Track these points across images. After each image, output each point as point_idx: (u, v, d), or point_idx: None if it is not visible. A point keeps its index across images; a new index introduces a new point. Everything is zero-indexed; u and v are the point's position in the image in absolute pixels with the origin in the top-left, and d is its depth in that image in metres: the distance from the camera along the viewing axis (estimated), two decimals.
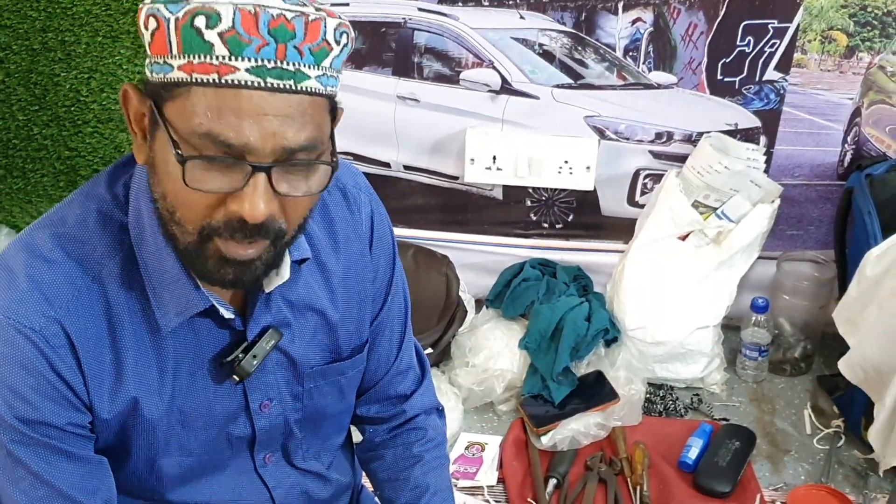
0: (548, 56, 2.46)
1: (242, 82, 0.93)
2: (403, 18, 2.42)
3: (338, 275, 1.25)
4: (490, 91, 2.49)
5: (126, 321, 1.10)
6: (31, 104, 2.61)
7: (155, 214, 1.06)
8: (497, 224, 2.69)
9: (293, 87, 0.95)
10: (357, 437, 1.48)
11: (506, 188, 2.63)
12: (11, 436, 1.07)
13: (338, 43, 0.98)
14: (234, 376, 1.15)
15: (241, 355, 1.15)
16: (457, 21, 2.41)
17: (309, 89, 0.96)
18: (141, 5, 0.97)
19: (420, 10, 2.42)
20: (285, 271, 1.14)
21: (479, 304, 2.69)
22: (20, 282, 1.05)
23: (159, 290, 1.09)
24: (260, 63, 0.93)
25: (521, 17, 2.42)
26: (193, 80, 0.94)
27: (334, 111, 1.04)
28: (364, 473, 1.50)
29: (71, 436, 1.09)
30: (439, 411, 1.49)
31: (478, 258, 2.71)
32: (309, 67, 0.96)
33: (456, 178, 2.62)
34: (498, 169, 2.55)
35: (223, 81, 0.93)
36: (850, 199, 2.40)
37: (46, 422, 1.07)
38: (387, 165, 2.58)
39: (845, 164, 2.55)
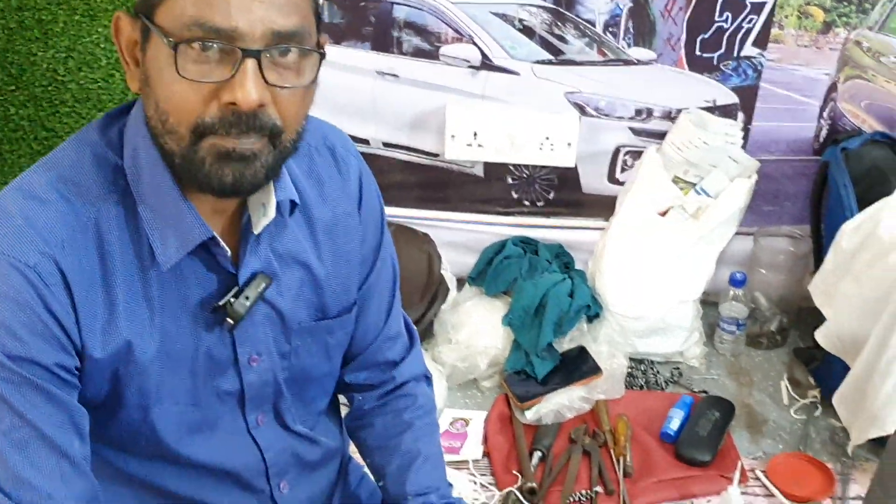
0: (528, 32, 2.47)
1: None
2: None
3: (325, 231, 1.27)
4: (470, 67, 2.50)
5: (119, 261, 1.11)
6: (8, 84, 2.59)
7: (155, 149, 1.08)
8: (478, 201, 2.70)
9: None
10: (345, 408, 1.49)
11: (487, 165, 2.64)
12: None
13: None
14: (229, 319, 1.17)
15: (232, 299, 1.16)
16: None
17: None
18: None
19: None
20: (271, 210, 1.16)
21: (460, 282, 2.70)
22: (15, 220, 1.06)
23: (159, 225, 1.11)
24: None
25: None
26: None
27: (319, 20, 1.09)
28: (352, 444, 1.51)
29: (56, 378, 1.09)
30: (428, 379, 1.51)
31: (459, 236, 2.72)
32: None
33: (436, 154, 2.63)
34: (479, 146, 2.56)
35: None
36: (825, 174, 2.45)
37: (34, 359, 1.07)
38: (365, 142, 2.58)
39: (821, 140, 2.59)
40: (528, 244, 2.68)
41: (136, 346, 1.13)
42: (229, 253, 1.16)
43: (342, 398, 1.49)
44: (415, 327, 1.50)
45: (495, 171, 2.65)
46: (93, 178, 1.11)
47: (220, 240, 1.14)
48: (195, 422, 1.23)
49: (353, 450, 1.54)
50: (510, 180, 2.67)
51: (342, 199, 1.29)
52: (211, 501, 1.30)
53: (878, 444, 2.16)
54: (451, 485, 1.43)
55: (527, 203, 2.71)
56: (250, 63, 1.00)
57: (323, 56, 1.08)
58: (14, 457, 1.07)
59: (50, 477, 1.09)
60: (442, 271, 2.59)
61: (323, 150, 1.29)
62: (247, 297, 1.17)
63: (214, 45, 1.00)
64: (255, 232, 1.16)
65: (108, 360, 1.12)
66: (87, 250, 1.09)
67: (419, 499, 1.37)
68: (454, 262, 2.69)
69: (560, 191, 2.68)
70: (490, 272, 2.60)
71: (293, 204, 1.20)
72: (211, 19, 0.99)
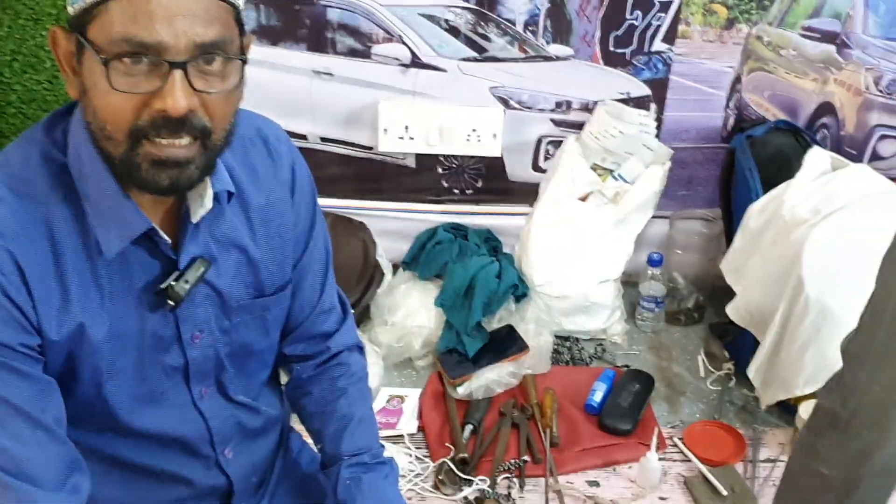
0: (453, 31, 2.56)
1: None
2: None
3: (260, 216, 1.35)
4: (401, 65, 2.58)
5: (69, 251, 1.18)
6: None
7: (91, 143, 1.15)
8: (410, 191, 2.78)
9: None
10: (284, 378, 1.59)
11: (418, 156, 2.71)
12: None
13: None
14: (169, 301, 1.25)
15: (173, 282, 1.24)
16: None
17: None
18: None
19: None
20: (208, 201, 1.24)
21: (395, 267, 2.77)
22: None
23: (102, 219, 1.18)
24: None
25: None
26: None
27: (241, 27, 1.16)
28: (294, 414, 1.60)
29: (22, 356, 1.16)
30: (360, 349, 1.60)
31: (393, 224, 2.79)
32: None
33: (370, 148, 2.69)
34: (410, 138, 2.63)
35: None
36: (733, 159, 2.55)
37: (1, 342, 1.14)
38: (304, 137, 2.64)
39: (728, 128, 2.70)
40: (458, 230, 2.75)
41: (89, 328, 1.21)
42: (169, 241, 1.24)
43: (281, 371, 1.59)
44: (348, 300, 1.59)
45: (426, 162, 2.73)
46: (41, 176, 1.18)
47: (159, 230, 1.22)
48: (144, 395, 1.31)
49: (294, 421, 1.64)
50: (440, 170, 2.74)
51: (275, 185, 1.37)
52: (162, 467, 1.38)
53: (786, 410, 2.29)
54: (383, 445, 1.52)
55: (456, 191, 2.79)
56: (177, 74, 1.07)
57: (245, 62, 1.15)
58: None
59: (28, 445, 1.18)
60: (377, 257, 2.66)
61: (257, 140, 1.37)
62: (186, 281, 1.25)
63: (143, 59, 1.06)
64: (194, 221, 1.24)
65: (63, 341, 1.20)
66: (39, 242, 1.16)
67: (353, 458, 1.46)
68: (389, 248, 2.76)
69: (487, 179, 2.76)
70: (423, 257, 2.67)
71: (229, 194, 1.28)
72: (137, 35, 1.05)
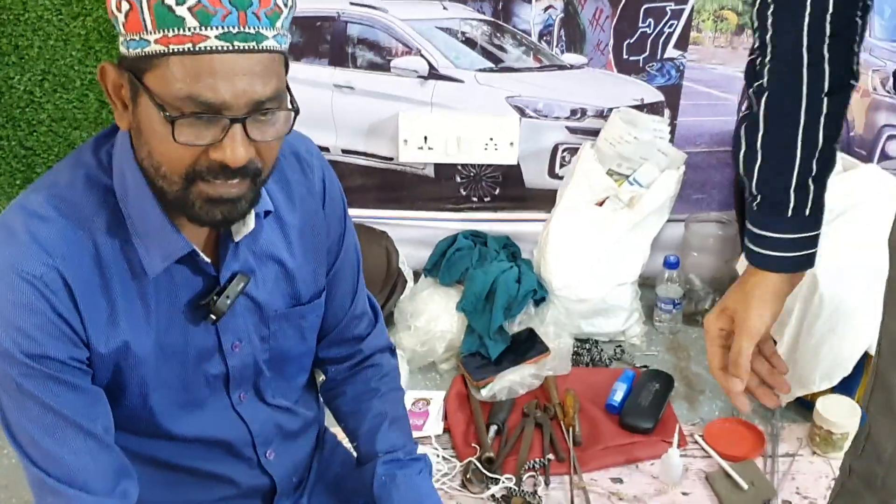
0: (470, 43, 2.61)
1: (214, 48, 1.06)
2: (337, 12, 2.54)
3: (295, 230, 1.39)
4: (419, 77, 2.63)
5: (114, 270, 1.22)
6: None
7: (140, 173, 1.19)
8: (430, 200, 2.83)
9: (256, 48, 1.09)
10: (320, 378, 1.64)
11: (437, 166, 2.76)
12: (19, 370, 1.18)
13: (286, 6, 1.14)
14: (211, 315, 1.29)
15: (215, 297, 1.29)
16: (386, 13, 2.55)
17: (268, 48, 1.11)
18: None
19: (352, 3, 2.55)
20: (251, 221, 1.28)
21: (416, 274, 2.82)
22: (20, 236, 1.16)
23: (145, 240, 1.22)
24: (226, 30, 1.06)
25: (444, 8, 2.57)
26: (170, 51, 1.06)
27: (287, 65, 1.20)
28: (329, 412, 1.64)
29: (72, 369, 1.20)
30: (392, 350, 1.64)
31: (414, 232, 2.84)
32: (266, 29, 1.10)
33: (391, 158, 2.74)
34: (429, 148, 2.68)
35: (197, 49, 1.06)
36: None
37: (50, 356, 1.18)
38: (326, 150, 2.70)
39: None
40: (477, 237, 2.80)
41: (134, 343, 1.25)
42: (209, 261, 1.28)
43: (317, 371, 1.65)
44: (378, 305, 1.63)
45: (445, 171, 2.78)
46: (86, 198, 1.21)
47: (200, 252, 1.26)
48: (186, 403, 1.35)
49: (328, 421, 1.68)
50: (459, 179, 2.80)
51: (308, 198, 1.41)
52: (207, 469, 1.43)
53: (803, 406, 2.33)
54: (416, 443, 1.56)
55: (475, 199, 2.84)
56: (237, 128, 1.10)
57: (297, 112, 1.18)
58: (45, 440, 1.21)
59: (79, 454, 1.23)
60: (399, 265, 2.71)
61: (289, 155, 1.40)
62: (227, 296, 1.29)
63: (205, 116, 1.09)
64: (236, 240, 1.29)
65: (110, 355, 1.25)
66: (86, 261, 1.20)
67: (388, 455, 1.50)
68: (410, 256, 2.81)
69: (505, 187, 2.81)
70: (444, 264, 2.72)
71: (266, 211, 1.33)
72: (201, 94, 1.07)
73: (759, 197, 1.23)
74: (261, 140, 1.15)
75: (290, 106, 1.18)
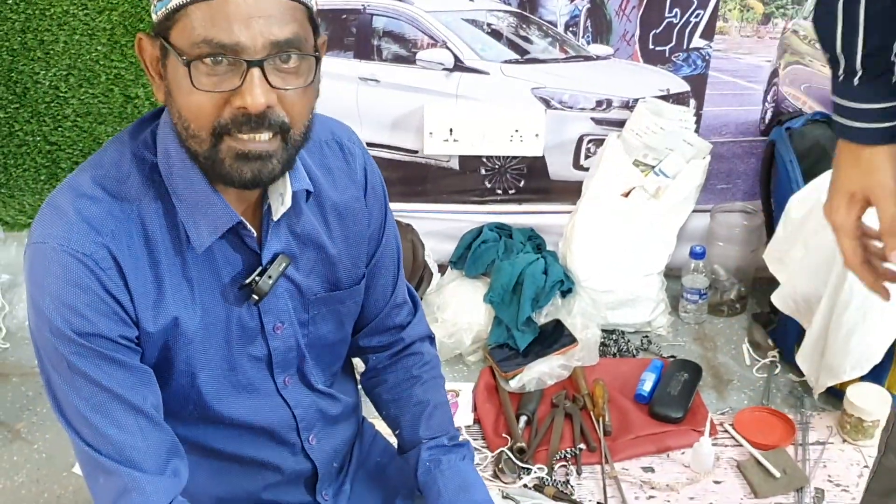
0: (496, 34, 2.61)
1: None
2: (362, 5, 2.54)
3: (336, 215, 1.40)
4: (444, 69, 2.64)
5: (162, 247, 1.24)
6: (12, 102, 2.69)
7: (179, 144, 1.21)
8: (455, 192, 2.83)
9: None
10: (361, 367, 1.64)
11: (462, 158, 2.77)
12: (70, 348, 1.19)
13: None
14: (254, 295, 1.30)
15: (257, 277, 1.30)
16: (411, 5, 2.55)
17: None
18: None
19: None
20: (287, 199, 1.29)
21: (442, 268, 2.82)
22: (69, 216, 1.18)
23: (193, 214, 1.24)
24: None
25: (470, 0, 2.58)
26: (189, 1, 1.10)
27: (316, 28, 1.20)
28: (369, 401, 1.66)
29: (122, 347, 1.21)
30: (431, 339, 1.65)
31: (438, 225, 2.84)
32: None
33: (416, 151, 2.75)
34: (454, 141, 2.68)
35: None
36: (773, 151, 2.60)
37: (101, 334, 1.19)
38: None
39: (766, 121, 2.74)
40: (502, 229, 2.80)
41: (182, 320, 1.27)
42: (255, 234, 1.29)
43: (358, 360, 1.66)
44: (417, 294, 1.64)
45: (470, 163, 2.78)
46: (132, 176, 1.23)
47: (247, 223, 1.27)
48: (233, 385, 1.37)
49: (365, 412, 1.70)
50: (483, 171, 2.80)
51: (350, 186, 1.42)
52: (252, 455, 1.44)
53: (833, 394, 2.34)
54: (458, 429, 1.59)
55: (500, 191, 2.84)
56: (255, 72, 1.11)
57: (319, 59, 1.19)
58: (96, 418, 1.22)
59: (130, 432, 1.24)
60: (425, 258, 2.71)
61: (332, 143, 1.42)
62: (269, 276, 1.30)
63: (223, 59, 1.11)
64: (275, 219, 1.30)
65: (159, 333, 1.26)
66: (134, 238, 1.22)
67: (432, 441, 1.51)
68: (436, 249, 2.82)
69: (530, 179, 2.82)
70: (469, 256, 2.72)
71: (308, 192, 1.33)
72: (216, 36, 1.09)
73: (861, 71, 1.22)
74: (282, 87, 1.15)
75: (313, 54, 1.18)
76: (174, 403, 1.34)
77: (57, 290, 1.18)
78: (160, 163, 1.24)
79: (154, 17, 1.16)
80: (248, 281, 1.30)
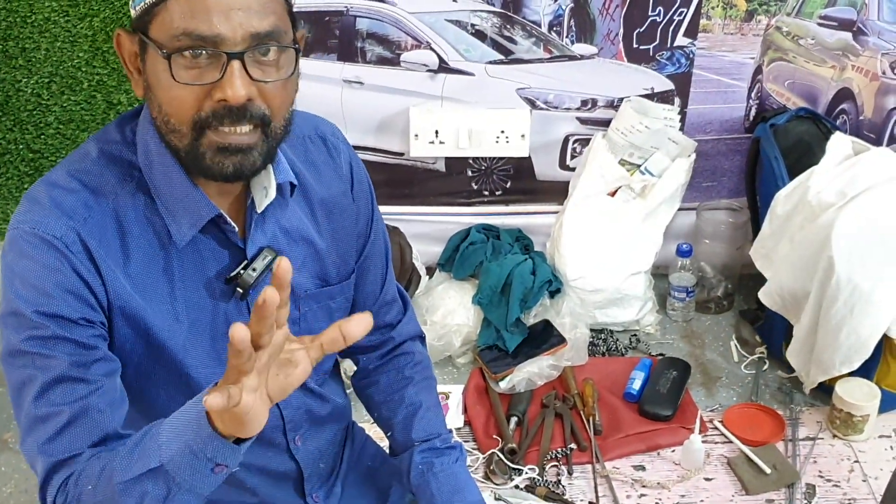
0: (480, 35, 2.61)
1: None
2: (345, 7, 2.53)
3: (323, 210, 1.41)
4: (429, 71, 2.63)
5: (138, 242, 1.24)
6: None
7: (158, 138, 1.21)
8: (442, 194, 2.82)
9: None
10: (352, 368, 1.64)
11: (448, 160, 2.76)
12: (29, 332, 1.17)
13: None
14: (238, 289, 1.30)
15: (241, 271, 1.29)
16: (394, 6, 2.54)
17: None
18: None
19: None
20: (272, 191, 1.29)
21: (430, 271, 2.82)
22: (44, 204, 1.19)
23: (172, 208, 1.24)
24: None
25: (454, 0, 2.56)
26: None
27: (294, 22, 1.21)
28: (355, 407, 1.66)
29: (82, 328, 1.19)
30: (422, 338, 1.66)
31: (426, 228, 2.83)
32: None
33: (401, 154, 2.74)
34: (440, 142, 2.68)
35: None
36: (758, 148, 2.60)
37: (63, 315, 1.17)
38: None
39: (751, 118, 2.75)
40: (489, 230, 2.81)
41: (155, 316, 1.25)
42: (236, 229, 1.28)
43: (349, 361, 1.65)
44: (406, 293, 1.64)
45: (456, 165, 2.77)
46: (110, 172, 1.23)
47: (227, 217, 1.26)
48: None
49: (356, 417, 1.70)
50: (470, 173, 2.79)
51: (335, 181, 1.42)
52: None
53: (822, 389, 2.34)
54: (450, 431, 1.58)
55: (486, 193, 2.83)
56: (236, 64, 1.12)
57: (298, 51, 1.20)
58: (41, 402, 1.18)
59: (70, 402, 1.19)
60: (413, 260, 2.70)
61: (315, 139, 1.42)
62: (254, 269, 1.29)
63: (202, 52, 1.12)
64: (259, 211, 1.29)
65: (131, 326, 1.24)
66: (107, 228, 1.22)
67: (424, 444, 1.52)
68: (423, 251, 2.81)
69: (516, 180, 2.81)
70: (457, 258, 2.73)
71: (292, 186, 1.33)
72: (196, 29, 1.10)
73: None
74: (262, 80, 1.15)
75: (292, 46, 1.19)
76: (165, 405, 1.32)
77: (25, 272, 1.18)
78: (139, 158, 1.24)
79: (133, 12, 1.16)
80: (232, 274, 1.30)
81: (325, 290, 1.44)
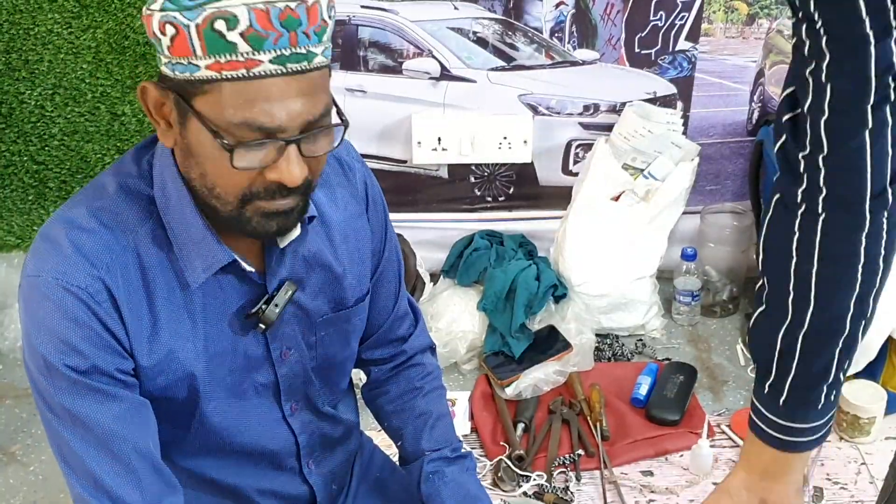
0: (482, 42, 2.61)
1: (268, 72, 1.07)
2: (348, 16, 2.54)
3: (339, 233, 1.40)
4: (431, 78, 2.63)
5: (159, 280, 1.23)
6: None
7: (182, 183, 1.20)
8: (445, 201, 2.83)
9: (308, 67, 1.10)
10: (362, 379, 1.64)
11: (451, 167, 2.76)
12: (63, 385, 1.18)
13: (331, 18, 1.13)
14: (261, 325, 1.29)
15: (263, 306, 1.28)
16: (396, 15, 2.55)
17: (319, 65, 1.12)
18: (147, 13, 1.08)
19: (363, 7, 2.54)
20: (297, 228, 1.29)
21: (434, 277, 2.82)
22: (64, 248, 1.17)
23: (186, 251, 1.23)
24: (279, 52, 1.07)
25: (455, 8, 2.58)
26: (223, 77, 1.07)
27: (330, 72, 1.21)
28: (363, 417, 1.66)
29: (118, 381, 1.20)
30: (432, 349, 1.65)
31: (429, 235, 2.84)
32: (315, 46, 1.10)
33: (404, 161, 2.74)
34: (443, 149, 2.68)
35: (251, 74, 1.07)
36: (760, 151, 2.60)
37: (97, 368, 1.18)
38: None
39: (753, 121, 2.75)
40: (493, 236, 2.80)
41: (179, 353, 1.25)
42: (254, 270, 1.28)
43: (357, 373, 1.65)
44: (418, 305, 1.64)
45: (459, 172, 2.78)
46: (129, 209, 1.22)
47: (241, 262, 1.26)
48: (238, 414, 1.35)
49: (363, 426, 1.69)
50: (473, 179, 2.80)
51: (351, 202, 1.41)
52: (248, 485, 1.43)
53: None
54: (460, 440, 1.58)
55: (489, 199, 2.84)
56: (292, 149, 1.11)
57: (347, 125, 1.20)
58: (89, 458, 1.20)
59: (123, 474, 1.22)
60: (417, 267, 2.71)
61: (331, 159, 1.39)
62: (276, 305, 1.29)
63: (264, 143, 1.11)
64: (281, 246, 1.29)
65: (155, 366, 1.24)
66: (129, 271, 1.20)
67: (435, 453, 1.52)
68: (427, 258, 2.82)
69: (519, 186, 2.82)
70: (461, 265, 2.72)
71: (310, 217, 1.32)
72: (257, 120, 1.08)
73: (786, 394, 1.21)
74: (313, 155, 1.16)
75: (339, 119, 1.19)
76: (176, 435, 1.33)
77: (52, 326, 1.17)
78: (156, 195, 1.23)
79: (168, 70, 1.12)
80: (254, 311, 1.29)
81: (342, 314, 1.43)
